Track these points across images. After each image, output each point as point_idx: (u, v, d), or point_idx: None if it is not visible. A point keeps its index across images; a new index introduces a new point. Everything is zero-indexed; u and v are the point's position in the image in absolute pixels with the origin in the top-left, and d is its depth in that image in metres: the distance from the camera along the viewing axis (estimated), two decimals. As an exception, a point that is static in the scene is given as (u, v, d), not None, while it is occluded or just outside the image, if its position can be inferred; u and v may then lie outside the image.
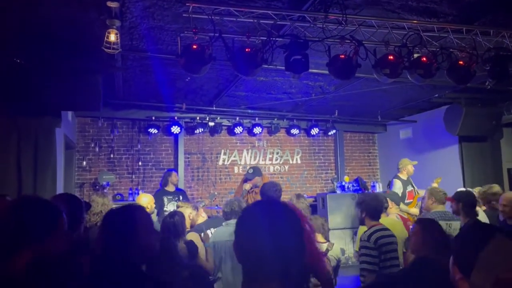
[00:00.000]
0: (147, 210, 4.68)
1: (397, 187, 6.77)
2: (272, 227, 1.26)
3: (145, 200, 4.85)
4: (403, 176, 6.94)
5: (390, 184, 7.08)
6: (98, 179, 7.82)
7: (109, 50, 4.09)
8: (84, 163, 8.12)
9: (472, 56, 4.51)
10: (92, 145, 8.23)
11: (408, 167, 6.97)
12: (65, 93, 5.15)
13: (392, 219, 4.86)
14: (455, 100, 7.62)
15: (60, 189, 6.14)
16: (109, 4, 3.68)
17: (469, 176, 7.78)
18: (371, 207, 3.93)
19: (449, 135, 7.87)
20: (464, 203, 4.08)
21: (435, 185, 6.30)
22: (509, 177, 8.34)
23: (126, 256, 1.80)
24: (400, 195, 6.62)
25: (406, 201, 6.77)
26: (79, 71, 5.35)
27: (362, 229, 4.17)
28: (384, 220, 4.30)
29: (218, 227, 4.53)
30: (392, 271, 3.63)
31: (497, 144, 8.16)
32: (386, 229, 3.90)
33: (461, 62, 4.49)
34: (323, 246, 4.69)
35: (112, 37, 4.02)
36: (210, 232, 4.67)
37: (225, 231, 4.22)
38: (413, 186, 6.95)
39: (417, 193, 6.85)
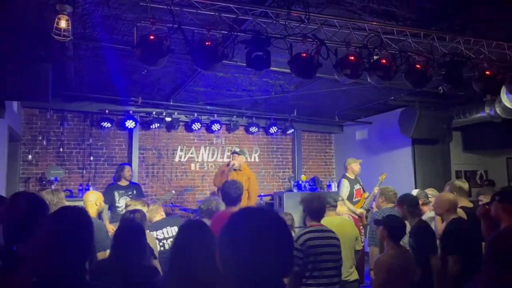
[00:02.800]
0: (96, 207, 4.44)
1: (345, 185, 6.96)
2: (257, 239, 1.21)
3: (93, 197, 4.55)
4: (350, 175, 7.12)
5: (338, 184, 7.27)
6: (45, 173, 7.41)
7: (59, 38, 3.85)
8: (30, 156, 7.65)
9: (429, 60, 4.62)
10: (40, 138, 7.77)
11: (352, 165, 7.16)
12: (9, 81, 4.79)
13: (343, 218, 4.87)
14: (409, 103, 7.84)
15: (2, 183, 5.77)
16: (59, -13, 3.45)
17: (420, 177, 8.08)
18: (310, 207, 3.82)
19: (403, 137, 8.10)
20: (407, 204, 4.17)
21: (381, 180, 6.83)
22: (457, 179, 8.70)
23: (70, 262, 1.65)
24: (348, 193, 6.87)
25: (354, 199, 6.95)
26: (26, 59, 4.99)
27: None
28: (332, 219, 4.26)
29: None
30: (323, 274, 3.54)
31: (447, 147, 8.51)
32: (324, 231, 3.74)
33: (418, 66, 4.58)
34: None
35: (63, 24, 3.78)
36: (166, 231, 4.49)
37: None
38: (360, 185, 7.15)
39: (364, 191, 7.11)
